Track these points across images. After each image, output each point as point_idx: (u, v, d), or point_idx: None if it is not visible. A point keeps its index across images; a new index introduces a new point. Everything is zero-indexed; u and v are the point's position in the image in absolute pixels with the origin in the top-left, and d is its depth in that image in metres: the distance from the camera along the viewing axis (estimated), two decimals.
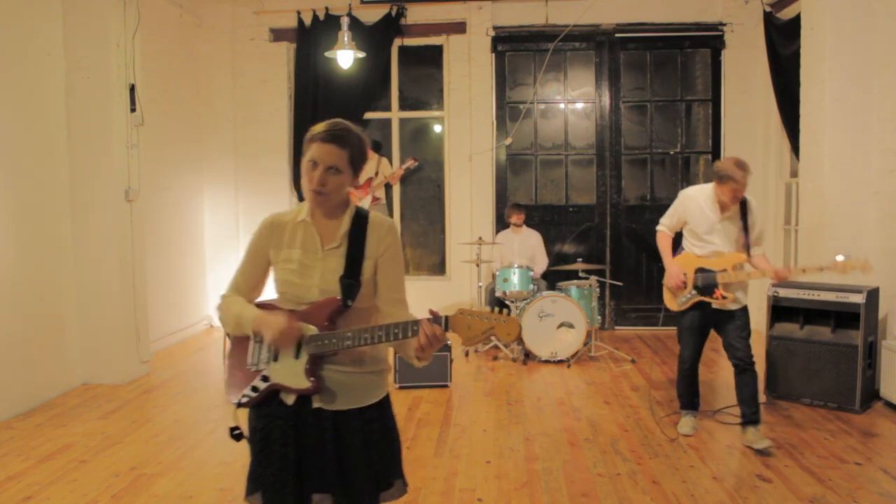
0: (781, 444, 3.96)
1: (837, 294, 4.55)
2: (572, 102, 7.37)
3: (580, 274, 6.16)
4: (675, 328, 4.30)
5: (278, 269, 1.99)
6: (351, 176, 1.95)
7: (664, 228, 4.22)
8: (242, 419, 1.99)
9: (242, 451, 2.07)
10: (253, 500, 1.99)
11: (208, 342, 6.77)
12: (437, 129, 7.56)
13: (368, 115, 7.39)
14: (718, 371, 5.49)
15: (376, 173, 7.10)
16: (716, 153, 7.15)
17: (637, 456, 3.80)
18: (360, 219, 1.99)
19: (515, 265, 6.14)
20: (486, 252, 6.61)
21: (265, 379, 1.95)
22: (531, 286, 6.05)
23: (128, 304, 5.36)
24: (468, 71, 7.21)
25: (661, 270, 4.26)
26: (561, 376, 5.46)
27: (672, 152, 7.30)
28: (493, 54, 7.23)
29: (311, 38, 7.18)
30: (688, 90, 7.27)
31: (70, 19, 5.13)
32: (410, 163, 7.08)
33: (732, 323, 4.00)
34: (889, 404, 4.56)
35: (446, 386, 5.14)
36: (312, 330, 1.91)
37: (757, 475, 3.53)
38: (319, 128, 1.92)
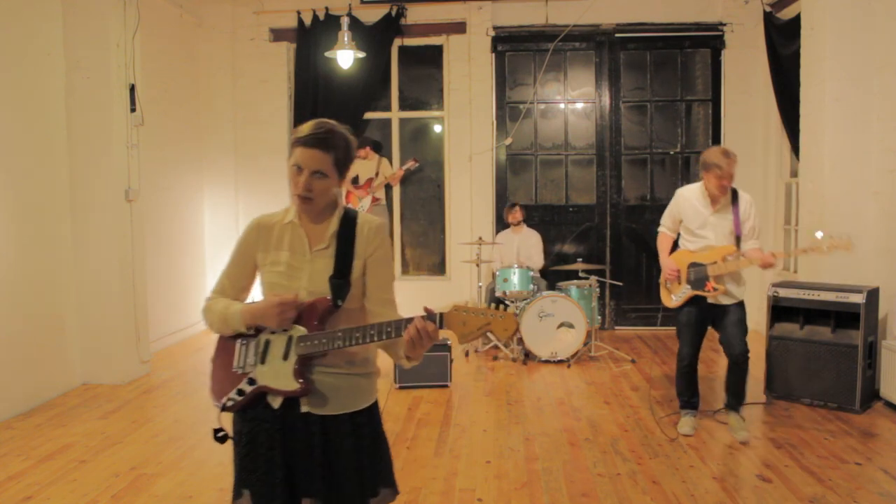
0: (781, 444, 3.96)
1: (837, 294, 4.55)
2: (572, 102, 7.37)
3: (580, 274, 6.16)
4: (674, 328, 4.31)
5: (265, 272, 1.96)
6: (337, 179, 1.91)
7: (664, 229, 4.31)
8: (226, 422, 1.96)
9: None
10: (240, 503, 1.95)
11: (208, 342, 6.76)
12: (437, 129, 7.56)
13: (368, 115, 7.39)
14: (718, 370, 5.49)
15: (376, 174, 7.09)
16: None
17: (637, 456, 3.80)
18: (349, 219, 1.97)
19: (515, 265, 6.14)
20: (486, 252, 6.61)
21: (252, 382, 1.91)
22: (531, 286, 6.05)
23: (128, 304, 5.36)
24: (468, 71, 7.21)
25: (661, 270, 4.30)
26: (561, 376, 5.46)
27: (672, 152, 7.30)
28: (493, 54, 7.23)
29: (311, 38, 7.18)
30: (688, 90, 7.27)
31: (70, 19, 5.13)
32: (411, 164, 7.08)
33: (728, 318, 4.04)
34: (889, 404, 4.56)
35: (446, 386, 5.14)
36: (301, 331, 1.88)
37: (757, 475, 3.53)
38: (303, 130, 1.89)
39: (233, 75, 7.36)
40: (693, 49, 7.20)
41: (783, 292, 4.79)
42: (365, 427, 1.95)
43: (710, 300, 4.03)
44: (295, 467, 1.89)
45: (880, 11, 4.82)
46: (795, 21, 5.63)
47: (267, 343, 1.92)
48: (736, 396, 4.15)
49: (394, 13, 7.15)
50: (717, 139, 7.16)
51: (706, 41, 7.13)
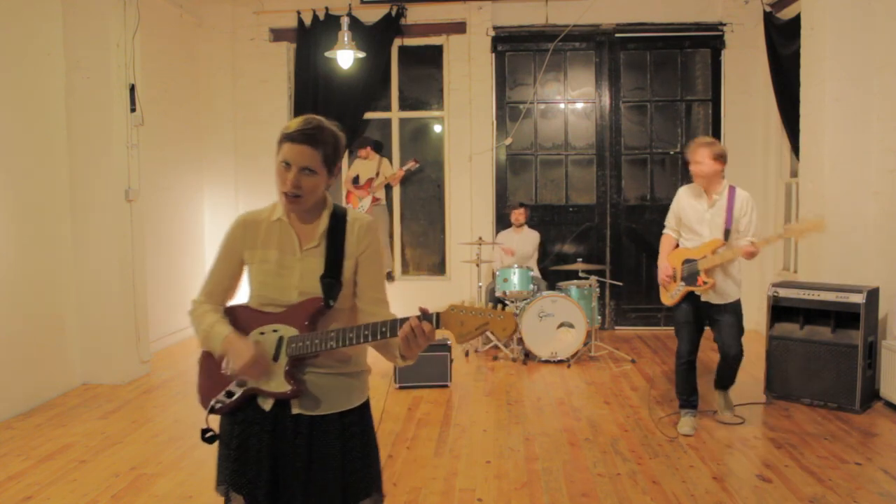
0: (781, 443, 3.96)
1: (837, 294, 4.55)
2: (572, 102, 7.37)
3: (580, 274, 6.16)
4: (674, 327, 4.33)
5: (254, 271, 1.92)
6: (326, 176, 1.87)
7: (667, 230, 4.36)
8: (213, 422, 1.93)
9: None
10: (221, 491, 1.92)
11: None
12: (437, 129, 7.56)
13: (368, 115, 7.39)
14: None
15: (377, 174, 7.10)
16: None
17: (637, 456, 3.80)
18: (339, 217, 1.92)
19: (515, 265, 6.14)
20: (486, 252, 6.61)
21: (242, 384, 1.88)
22: (531, 286, 6.05)
23: (128, 304, 5.36)
24: (468, 71, 7.21)
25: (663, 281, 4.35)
26: (561, 376, 5.46)
27: (672, 152, 7.30)
28: (493, 54, 7.23)
29: (311, 38, 7.18)
30: (688, 90, 7.27)
31: (70, 19, 5.13)
32: (411, 164, 7.09)
33: (722, 318, 4.09)
34: (889, 404, 4.56)
35: (446, 386, 5.14)
36: (292, 331, 1.84)
37: (757, 475, 3.53)
38: (292, 126, 1.84)
39: (233, 75, 7.36)
40: (693, 49, 7.20)
41: (783, 292, 4.79)
42: (355, 426, 1.92)
43: (703, 298, 4.07)
44: (280, 471, 1.86)
45: (880, 11, 4.82)
46: (795, 21, 5.63)
47: (256, 344, 1.87)
48: (724, 379, 4.32)
49: (394, 13, 7.15)
50: (717, 139, 7.14)
51: (706, 41, 7.13)
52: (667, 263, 4.21)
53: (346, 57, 6.40)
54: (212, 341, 1.89)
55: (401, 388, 5.07)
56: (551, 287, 6.41)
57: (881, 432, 4.15)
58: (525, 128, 7.38)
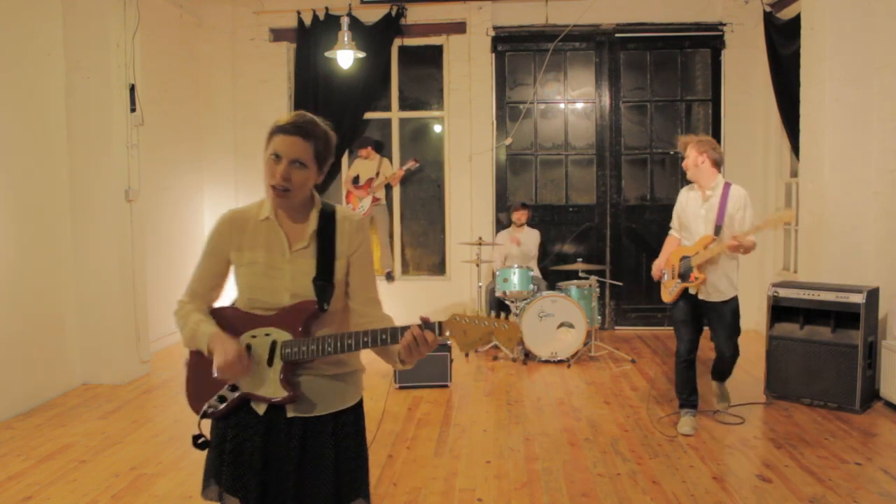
0: (781, 443, 3.96)
1: (837, 294, 4.55)
2: (572, 102, 7.37)
3: (580, 274, 6.16)
4: (673, 326, 4.35)
5: (242, 273, 1.86)
6: (316, 172, 1.83)
7: (672, 231, 4.41)
8: (205, 428, 1.91)
9: None
10: (209, 493, 1.90)
11: None
12: (437, 129, 7.56)
13: (368, 115, 7.39)
14: None
15: (377, 174, 7.10)
16: None
17: (637, 456, 3.80)
18: (328, 215, 1.88)
19: (515, 265, 6.14)
20: (486, 252, 6.61)
21: (234, 388, 1.84)
22: (531, 286, 6.05)
23: (128, 304, 5.36)
24: (468, 71, 7.21)
25: (655, 277, 4.40)
26: (561, 376, 5.46)
27: (672, 152, 7.29)
28: (493, 54, 7.23)
29: (311, 38, 7.18)
30: (688, 90, 7.27)
31: (70, 19, 5.13)
32: (411, 164, 7.09)
33: (718, 316, 4.13)
34: (889, 404, 4.56)
35: (446, 386, 5.14)
36: (285, 336, 1.80)
37: (757, 475, 3.53)
38: (283, 119, 1.81)
39: (233, 75, 7.36)
40: (693, 49, 7.20)
41: (783, 292, 4.79)
42: (349, 426, 1.90)
43: (700, 296, 4.10)
44: (271, 476, 1.83)
45: (880, 11, 4.82)
46: (795, 21, 5.63)
47: (248, 348, 1.84)
48: (720, 372, 4.38)
49: (394, 13, 7.15)
50: (717, 139, 7.15)
51: (706, 41, 7.13)
52: (661, 262, 4.29)
53: (346, 57, 6.40)
54: (198, 340, 1.85)
55: (401, 388, 5.07)
56: (551, 287, 6.41)
57: (881, 432, 4.15)
58: (525, 128, 7.37)
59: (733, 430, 4.19)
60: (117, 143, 5.24)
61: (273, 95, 7.39)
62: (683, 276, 4.12)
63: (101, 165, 5.19)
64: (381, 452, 3.85)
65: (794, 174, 6.45)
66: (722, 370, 4.35)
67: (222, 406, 1.84)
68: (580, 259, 6.25)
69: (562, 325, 5.79)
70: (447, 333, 1.74)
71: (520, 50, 7.32)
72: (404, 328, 1.74)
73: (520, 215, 6.69)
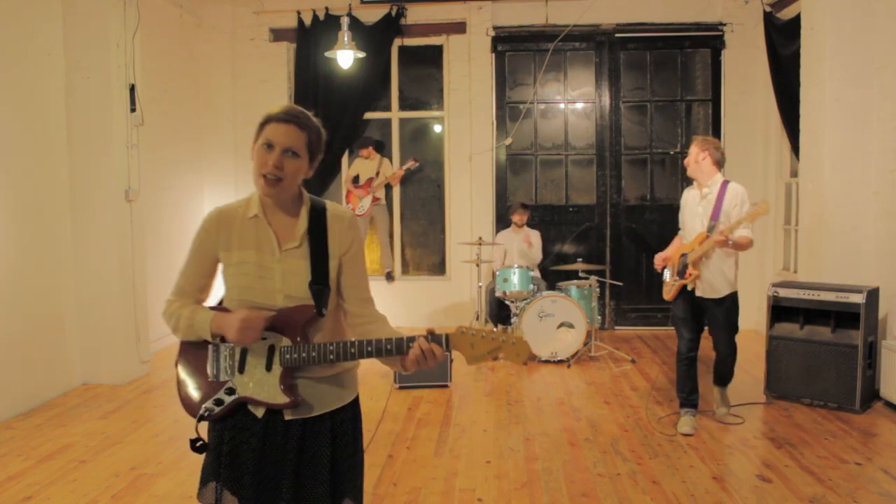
0: (781, 444, 3.96)
1: (837, 294, 4.55)
2: (572, 102, 7.36)
3: (580, 274, 6.16)
4: (674, 325, 4.37)
5: (232, 273, 1.82)
6: (308, 164, 1.80)
7: (680, 230, 4.42)
8: (202, 429, 1.89)
9: None
10: (206, 494, 1.87)
11: None
12: (437, 129, 7.56)
13: (368, 115, 7.38)
14: None
15: (377, 173, 7.10)
16: None
17: (637, 456, 3.80)
18: (318, 213, 1.83)
19: (515, 265, 6.14)
20: (486, 252, 6.61)
21: (231, 392, 1.81)
22: (531, 286, 6.05)
23: (128, 304, 5.36)
24: (468, 71, 7.21)
25: (656, 269, 4.41)
26: (561, 376, 5.46)
27: (672, 152, 7.29)
28: (493, 54, 7.23)
29: (311, 38, 7.18)
30: (688, 90, 7.27)
31: (70, 19, 5.13)
32: (411, 164, 7.09)
33: (714, 314, 4.14)
34: (889, 404, 4.56)
35: (446, 386, 5.14)
36: (284, 341, 1.78)
37: (757, 475, 3.53)
38: (275, 109, 1.79)
39: (233, 75, 7.36)
40: (693, 49, 7.20)
41: (783, 292, 4.79)
42: (347, 424, 1.89)
43: (697, 293, 4.12)
44: (268, 477, 1.82)
45: (880, 11, 4.82)
46: (795, 21, 5.63)
47: (244, 351, 1.82)
48: (720, 376, 4.34)
49: (394, 13, 7.15)
50: (716, 138, 7.16)
51: (706, 41, 7.13)
52: (664, 254, 4.31)
53: (346, 57, 6.40)
54: (197, 329, 1.81)
55: (401, 388, 5.07)
56: (551, 287, 6.41)
57: (881, 432, 4.15)
58: (525, 128, 7.37)
59: (733, 430, 4.19)
60: (117, 143, 5.24)
61: (273, 95, 7.38)
62: (681, 272, 4.15)
63: (101, 165, 5.19)
64: (381, 452, 3.85)
65: (794, 174, 6.45)
66: (722, 373, 4.32)
67: (219, 409, 1.82)
68: (580, 259, 6.25)
69: (562, 325, 5.79)
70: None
71: (520, 50, 7.32)
72: (409, 339, 1.73)
73: (520, 216, 6.69)
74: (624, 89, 7.29)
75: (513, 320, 6.06)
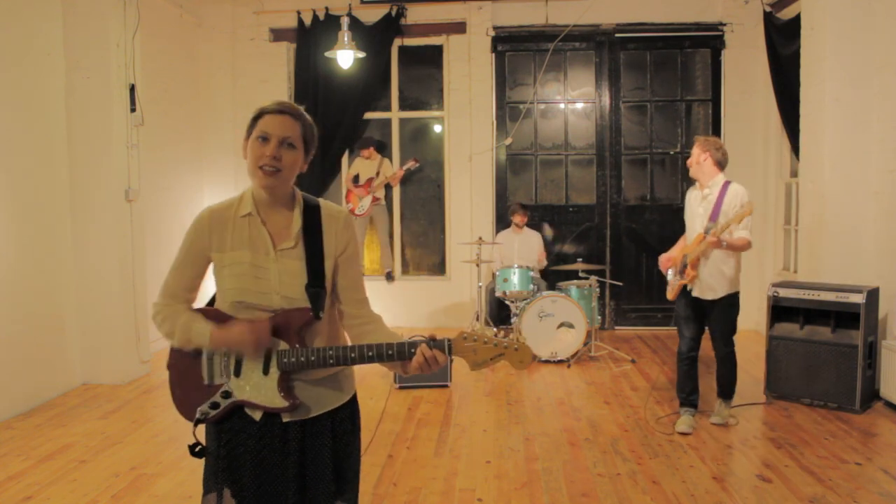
0: (781, 444, 3.96)
1: (837, 294, 4.55)
2: (572, 102, 7.36)
3: (580, 274, 6.16)
4: (676, 328, 4.36)
5: (226, 274, 1.78)
6: (303, 157, 1.78)
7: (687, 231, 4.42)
8: (200, 435, 1.88)
9: None
10: (208, 501, 1.87)
11: None
12: (437, 129, 7.56)
13: (368, 115, 7.38)
14: None
15: (377, 173, 7.10)
16: None
17: (637, 456, 3.80)
18: (312, 211, 1.81)
19: (515, 265, 6.14)
20: (486, 252, 6.61)
21: (227, 395, 1.79)
22: (531, 286, 6.05)
23: (128, 304, 5.37)
24: (468, 71, 7.21)
25: (661, 271, 4.41)
26: (561, 376, 5.46)
27: (672, 152, 7.29)
28: (493, 54, 7.23)
29: (311, 38, 7.18)
30: (688, 90, 7.27)
31: (70, 19, 5.13)
32: (411, 164, 7.10)
33: (713, 314, 4.14)
34: (889, 404, 4.56)
35: (446, 386, 5.14)
36: (281, 344, 1.76)
37: (757, 475, 3.53)
38: (267, 103, 1.77)
39: (233, 75, 7.36)
40: (693, 49, 7.20)
41: (783, 292, 4.79)
42: (346, 422, 1.88)
43: (694, 292, 4.13)
44: (269, 479, 1.81)
45: (880, 11, 4.82)
46: (795, 21, 5.63)
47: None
48: (723, 387, 4.31)
49: (394, 13, 7.15)
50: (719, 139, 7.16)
51: (706, 41, 7.13)
52: (669, 254, 4.32)
53: (346, 57, 6.40)
54: (195, 338, 1.78)
55: (401, 388, 5.06)
56: (551, 287, 6.41)
57: (881, 432, 4.15)
58: (525, 128, 7.37)
59: (733, 430, 4.19)
60: (117, 143, 5.24)
61: (273, 95, 7.30)
62: (682, 272, 4.16)
63: (101, 165, 5.19)
64: (381, 452, 3.85)
65: (794, 174, 6.45)
66: (723, 379, 4.26)
67: (215, 413, 1.81)
68: (580, 259, 6.25)
69: (562, 325, 5.79)
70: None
71: (520, 50, 7.32)
72: (411, 345, 1.72)
73: (520, 218, 6.69)
74: (624, 89, 7.29)
75: (513, 320, 6.06)
